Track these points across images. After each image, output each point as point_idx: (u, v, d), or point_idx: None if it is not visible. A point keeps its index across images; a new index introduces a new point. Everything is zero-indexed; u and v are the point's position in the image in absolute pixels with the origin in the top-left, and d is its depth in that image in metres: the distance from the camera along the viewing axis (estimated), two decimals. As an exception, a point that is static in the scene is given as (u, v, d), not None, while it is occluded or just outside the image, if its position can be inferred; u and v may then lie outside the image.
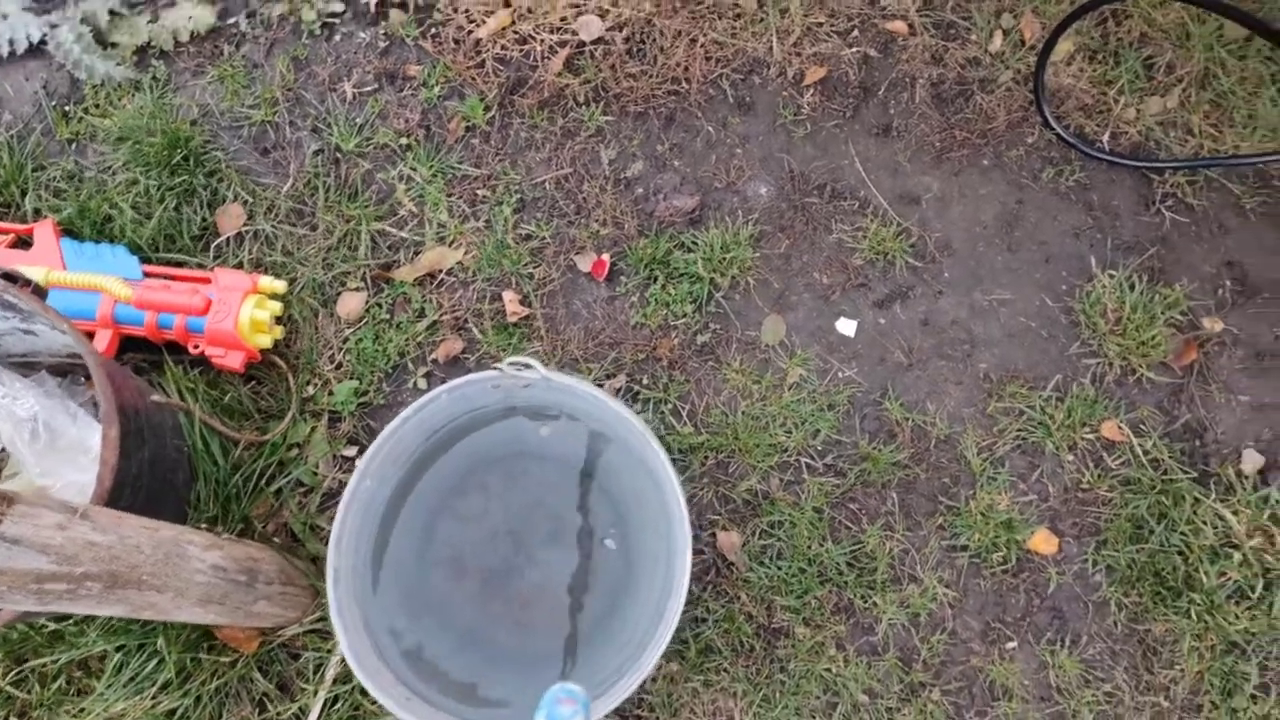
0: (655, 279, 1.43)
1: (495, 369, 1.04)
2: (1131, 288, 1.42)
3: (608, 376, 1.39)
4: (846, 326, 1.43)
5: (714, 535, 1.32)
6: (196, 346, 1.28)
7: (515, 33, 1.55)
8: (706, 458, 1.36)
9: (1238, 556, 1.29)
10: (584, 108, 1.52)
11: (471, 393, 1.07)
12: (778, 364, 1.41)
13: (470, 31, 1.55)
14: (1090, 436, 1.36)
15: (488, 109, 1.51)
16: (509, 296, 1.41)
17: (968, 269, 1.46)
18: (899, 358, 1.42)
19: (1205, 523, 1.30)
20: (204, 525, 1.18)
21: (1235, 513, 1.31)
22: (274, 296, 1.34)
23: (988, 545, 1.32)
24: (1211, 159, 1.49)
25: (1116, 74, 1.54)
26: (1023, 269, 1.47)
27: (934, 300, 1.45)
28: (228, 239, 1.40)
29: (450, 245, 1.44)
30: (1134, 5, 1.57)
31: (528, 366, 1.03)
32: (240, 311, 1.26)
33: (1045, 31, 1.55)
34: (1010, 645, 1.29)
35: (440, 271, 1.43)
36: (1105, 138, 1.53)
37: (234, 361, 1.27)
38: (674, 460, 1.36)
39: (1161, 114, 1.53)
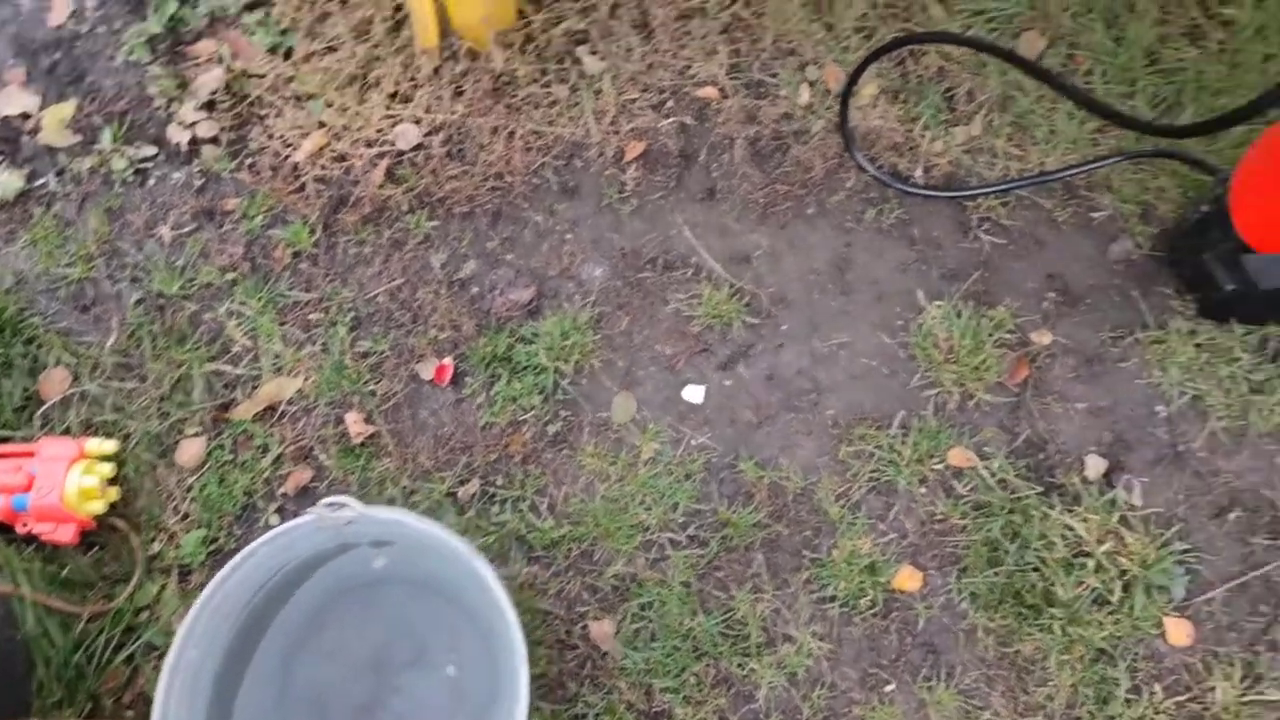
0: (499, 376, 1.44)
1: (310, 513, 1.03)
2: (958, 314, 1.47)
3: (461, 483, 1.38)
4: (694, 393, 1.45)
5: (586, 627, 1.32)
6: (24, 525, 1.24)
7: (333, 151, 1.56)
8: (570, 549, 1.36)
9: (1091, 564, 1.32)
10: (409, 215, 1.53)
11: (294, 539, 1.06)
12: (631, 441, 1.42)
13: (287, 156, 1.55)
14: (939, 467, 1.40)
15: (312, 231, 1.51)
16: (352, 418, 1.40)
17: (805, 318, 1.50)
18: (748, 417, 1.44)
19: (1056, 536, 1.34)
20: (37, 718, 1.14)
21: (1084, 520, 1.34)
22: (104, 458, 1.31)
23: (854, 591, 1.33)
24: (1019, 179, 1.56)
25: (920, 110, 1.61)
26: (858, 310, 1.50)
27: (775, 354, 1.47)
28: (53, 405, 1.37)
29: (289, 374, 1.43)
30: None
31: (344, 506, 1.02)
32: (66, 482, 1.23)
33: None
34: (889, 688, 1.30)
35: (280, 403, 1.41)
36: (918, 172, 1.58)
37: (65, 535, 1.24)
38: (538, 557, 1.36)
39: (967, 142, 1.60)
